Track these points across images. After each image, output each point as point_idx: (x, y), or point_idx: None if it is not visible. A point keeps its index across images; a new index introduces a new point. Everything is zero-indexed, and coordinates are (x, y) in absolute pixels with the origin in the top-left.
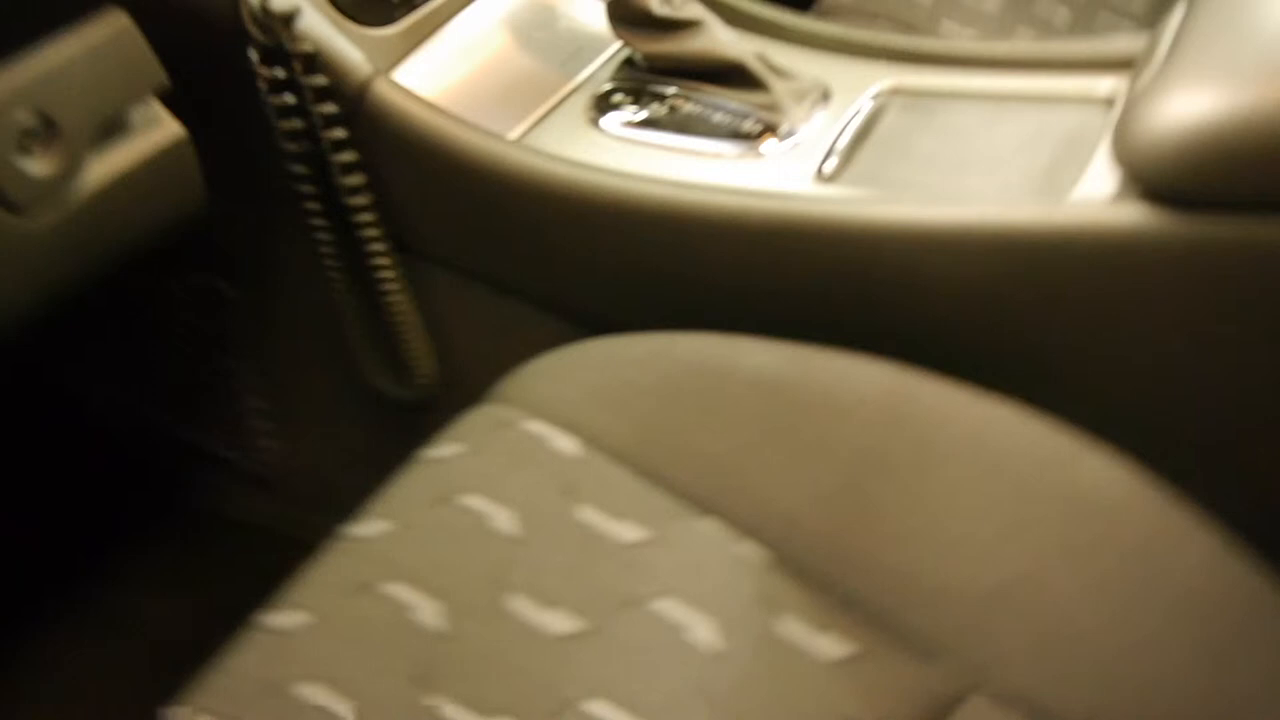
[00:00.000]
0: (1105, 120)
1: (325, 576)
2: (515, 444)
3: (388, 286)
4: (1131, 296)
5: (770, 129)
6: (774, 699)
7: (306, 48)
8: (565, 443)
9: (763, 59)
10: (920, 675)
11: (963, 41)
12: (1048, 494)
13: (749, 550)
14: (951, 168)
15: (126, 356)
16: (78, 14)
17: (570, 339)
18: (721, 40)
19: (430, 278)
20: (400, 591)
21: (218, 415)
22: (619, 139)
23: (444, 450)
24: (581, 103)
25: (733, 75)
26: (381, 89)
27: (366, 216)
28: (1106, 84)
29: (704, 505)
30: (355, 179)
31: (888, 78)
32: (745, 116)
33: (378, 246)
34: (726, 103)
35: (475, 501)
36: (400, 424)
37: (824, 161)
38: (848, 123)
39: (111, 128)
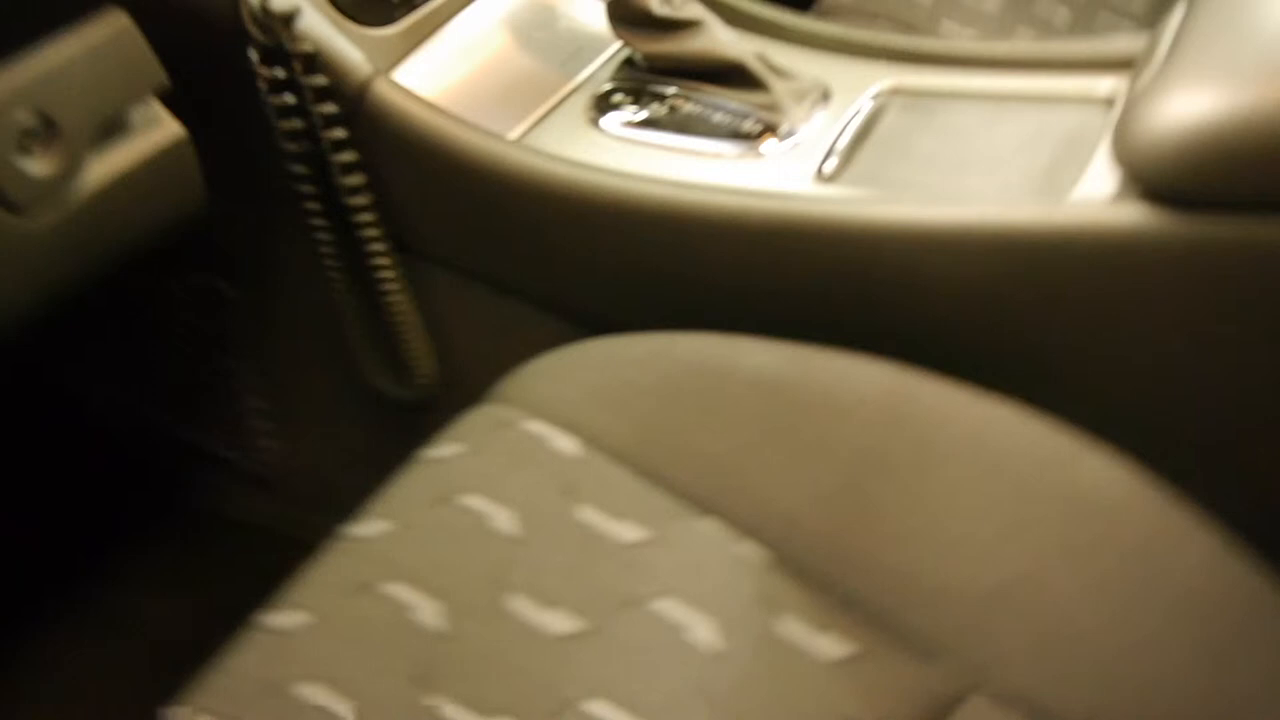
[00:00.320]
0: (1105, 120)
1: (325, 576)
2: (515, 444)
3: (388, 286)
4: (1131, 296)
5: (770, 129)
6: (774, 699)
7: (306, 48)
8: (565, 443)
9: (763, 59)
10: (920, 675)
11: (963, 41)
12: (1048, 494)
13: (749, 550)
14: (951, 168)
15: (126, 356)
16: (78, 14)
17: (570, 339)
18: (721, 40)
19: (430, 278)
20: (400, 591)
21: (218, 415)
22: (619, 139)
23: (444, 450)
24: (581, 103)
25: (733, 75)
26: (381, 89)
27: (366, 216)
28: (1106, 84)
29: (704, 505)
30: (355, 179)
31: (888, 78)
32: (745, 116)
33: (378, 246)
34: (726, 103)
35: (475, 501)
36: (400, 424)
37: (824, 161)
38: (848, 123)
39: (111, 128)
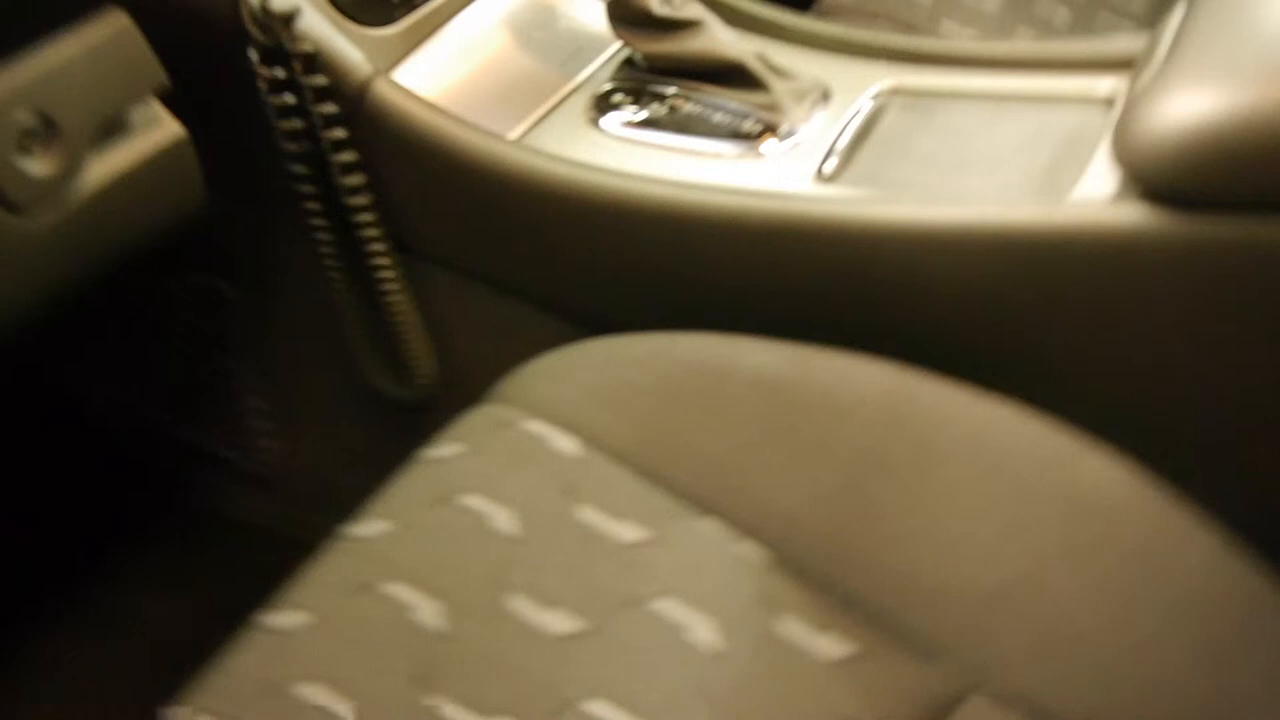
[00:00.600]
0: (1105, 120)
1: (325, 576)
2: (515, 444)
3: (388, 286)
4: (1131, 296)
5: (770, 129)
6: (774, 699)
7: (306, 48)
8: (565, 443)
9: (763, 59)
10: (920, 675)
11: (963, 41)
12: (1048, 494)
13: (749, 550)
14: (951, 168)
15: (126, 356)
16: (78, 14)
17: (570, 339)
18: (721, 40)
19: (430, 278)
20: (400, 591)
21: (218, 415)
22: (619, 139)
23: (444, 450)
24: (581, 103)
25: (733, 75)
26: (381, 89)
27: (366, 216)
28: (1106, 84)
29: (704, 505)
30: (355, 179)
31: (888, 78)
32: (745, 116)
33: (378, 246)
34: (726, 103)
35: (475, 501)
36: (400, 424)
37: (824, 161)
38: (848, 123)
39: (111, 128)
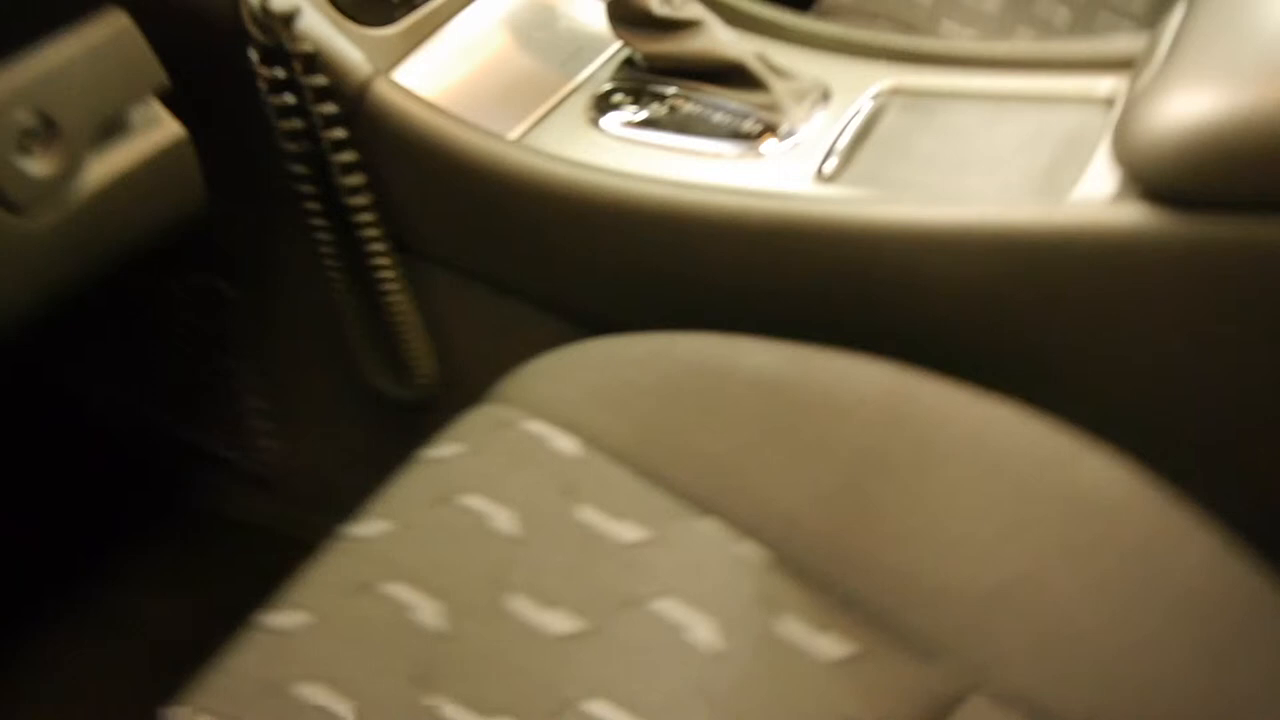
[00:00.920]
0: (1105, 120)
1: (325, 576)
2: (515, 444)
3: (388, 286)
4: (1131, 296)
5: (770, 129)
6: (774, 699)
7: (306, 48)
8: (565, 443)
9: (763, 59)
10: (920, 675)
11: (963, 41)
12: (1048, 494)
13: (749, 550)
14: (951, 168)
15: (126, 356)
16: (78, 14)
17: (570, 339)
18: (721, 40)
19: (430, 278)
20: (400, 591)
21: (218, 415)
22: (619, 139)
23: (444, 450)
24: (581, 103)
25: (733, 75)
26: (381, 89)
27: (366, 216)
28: (1106, 84)
29: (704, 505)
30: (355, 179)
31: (888, 78)
32: (745, 116)
33: (378, 246)
34: (726, 103)
35: (475, 501)
36: (400, 424)
37: (824, 161)
38: (848, 123)
39: (111, 128)
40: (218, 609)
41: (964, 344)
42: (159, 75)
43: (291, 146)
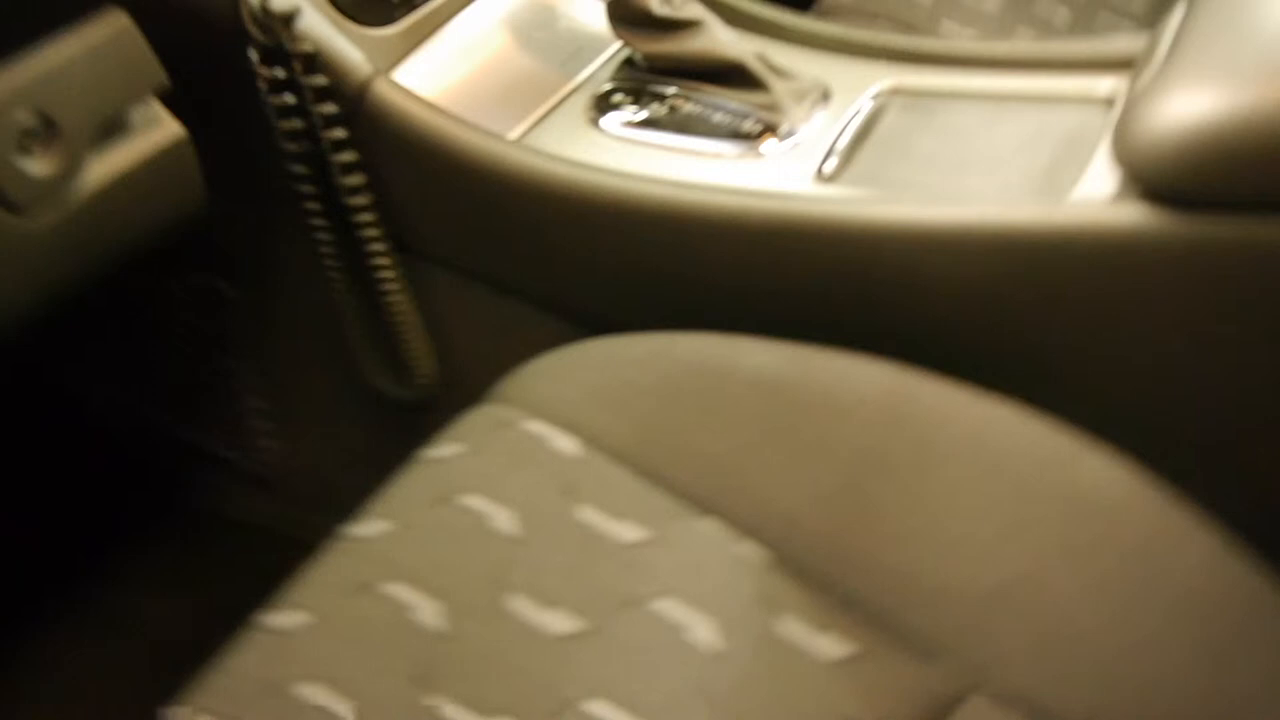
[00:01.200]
0: (1105, 120)
1: (325, 576)
2: (515, 444)
3: (388, 286)
4: (1131, 296)
5: (770, 129)
6: (774, 699)
7: (306, 48)
8: (565, 443)
9: (763, 59)
10: (920, 675)
11: (963, 41)
12: (1048, 494)
13: (749, 550)
14: (951, 168)
15: (126, 356)
16: (78, 14)
17: (570, 339)
18: (721, 40)
19: (430, 278)
20: (400, 591)
21: (218, 415)
22: (619, 139)
23: (444, 450)
24: (581, 103)
25: (733, 75)
26: (381, 89)
27: (366, 216)
28: (1106, 84)
29: (704, 505)
30: (355, 179)
31: (888, 78)
32: (745, 116)
33: (378, 246)
34: (726, 103)
35: (475, 501)
36: (400, 424)
37: (824, 161)
38: (848, 123)
39: (111, 128)
40: (218, 609)
41: (964, 344)
42: (159, 75)
43: (291, 146)
